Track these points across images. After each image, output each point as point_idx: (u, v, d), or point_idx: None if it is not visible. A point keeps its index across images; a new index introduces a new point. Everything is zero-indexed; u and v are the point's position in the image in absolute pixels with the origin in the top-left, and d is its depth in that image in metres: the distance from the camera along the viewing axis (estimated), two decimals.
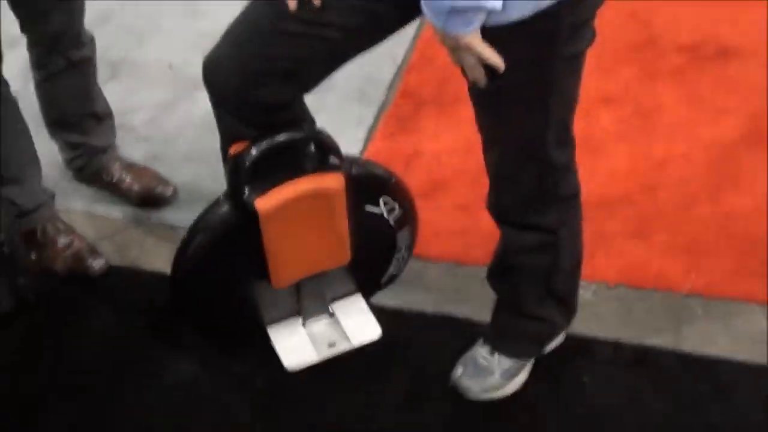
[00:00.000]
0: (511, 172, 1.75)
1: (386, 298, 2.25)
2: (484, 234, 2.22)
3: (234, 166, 1.80)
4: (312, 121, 1.88)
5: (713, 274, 2.25)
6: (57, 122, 2.50)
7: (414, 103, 2.84)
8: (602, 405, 2.01)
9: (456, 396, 2.04)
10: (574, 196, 1.84)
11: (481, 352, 2.04)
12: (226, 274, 1.93)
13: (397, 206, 2.00)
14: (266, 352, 2.10)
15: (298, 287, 2.05)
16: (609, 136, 2.67)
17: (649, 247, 2.33)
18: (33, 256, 2.32)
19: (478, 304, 2.19)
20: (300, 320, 2.11)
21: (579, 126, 1.78)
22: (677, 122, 2.71)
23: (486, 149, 1.76)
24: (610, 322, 2.17)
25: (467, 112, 2.75)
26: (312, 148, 1.84)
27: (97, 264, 2.39)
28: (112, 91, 2.82)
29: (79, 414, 2.09)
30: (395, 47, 3.03)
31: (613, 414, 1.99)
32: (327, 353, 2.06)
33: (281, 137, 1.78)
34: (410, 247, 2.12)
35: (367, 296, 2.16)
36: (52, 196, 2.48)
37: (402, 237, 2.07)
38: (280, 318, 2.10)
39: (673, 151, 2.62)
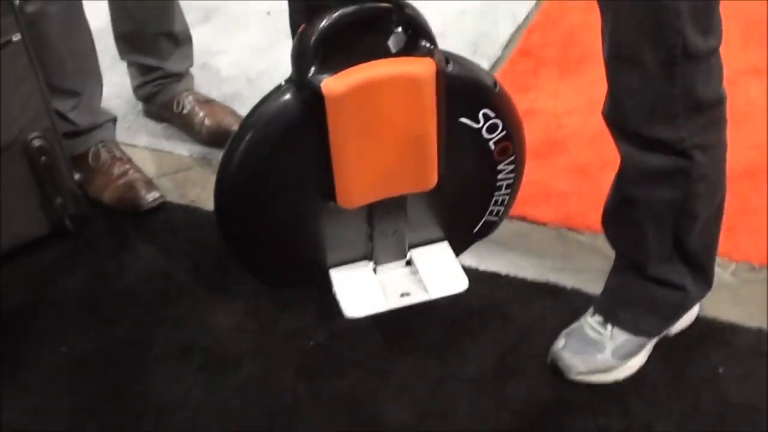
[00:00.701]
0: (633, 52, 1.35)
1: (480, 257, 1.87)
2: (604, 199, 1.82)
3: (301, 39, 1.46)
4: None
5: None
6: (129, 38, 2.22)
7: (533, 62, 2.47)
8: (739, 403, 1.58)
9: (554, 375, 1.64)
10: (716, 104, 1.43)
11: (590, 322, 1.64)
12: (283, 185, 1.57)
13: (500, 125, 1.61)
14: (326, 306, 1.74)
15: (371, 222, 1.67)
16: (756, 107, 2.25)
17: None
18: (78, 177, 2.01)
19: (591, 276, 1.80)
20: (370, 266, 1.73)
21: None
22: None
23: (604, 23, 1.38)
24: (752, 307, 1.74)
25: (593, 73, 2.41)
26: (400, 29, 1.48)
27: (150, 196, 2.08)
28: (201, 34, 2.60)
29: (99, 353, 1.76)
30: (517, 6, 2.69)
31: (752, 414, 1.55)
32: (397, 303, 1.68)
33: (359, 7, 1.44)
34: (513, 189, 1.72)
35: (455, 248, 1.77)
36: (114, 120, 2.20)
37: (504, 170, 1.67)
38: (347, 260, 1.73)
39: None
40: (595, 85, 2.28)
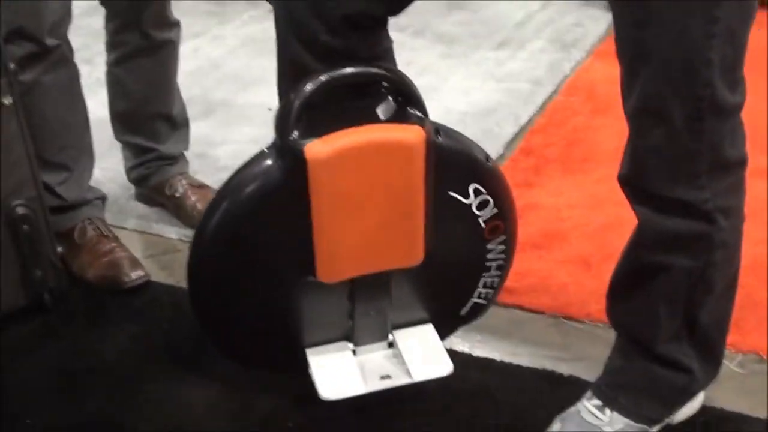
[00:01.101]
0: (660, 105, 1.28)
1: (473, 344, 1.80)
2: (606, 289, 1.74)
3: (285, 103, 1.41)
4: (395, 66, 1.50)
5: None
6: (125, 118, 2.18)
7: (535, 160, 2.43)
8: None
9: None
10: (740, 165, 1.37)
11: (588, 406, 1.53)
12: (260, 256, 1.50)
13: (491, 202, 1.54)
14: (306, 388, 1.64)
15: (352, 300, 1.59)
16: (760, 205, 2.19)
17: None
18: (60, 250, 1.94)
19: (590, 364, 1.71)
20: (350, 347, 1.64)
21: None
22: None
23: (626, 81, 1.32)
24: (759, 399, 1.64)
25: (597, 172, 2.37)
26: (389, 98, 1.43)
27: (135, 275, 2.00)
28: (201, 126, 2.60)
29: (65, 428, 1.67)
30: (519, 108, 2.67)
31: None
32: (377, 386, 1.58)
33: (347, 70, 1.40)
34: (503, 271, 1.64)
35: (441, 331, 1.67)
36: (103, 199, 2.15)
37: (494, 249, 1.59)
38: (325, 340, 1.63)
39: None
40: (600, 183, 2.25)
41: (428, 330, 1.65)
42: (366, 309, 1.60)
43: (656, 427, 1.53)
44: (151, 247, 2.17)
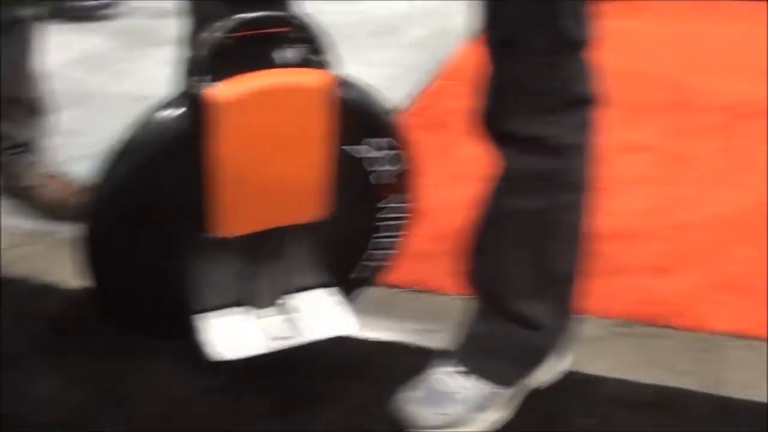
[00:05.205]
0: (520, 37, 1.31)
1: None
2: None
3: (190, 49, 1.41)
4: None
5: (751, 314, 1.78)
6: None
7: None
8: None
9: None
10: (588, 102, 1.37)
11: (442, 370, 1.50)
12: (158, 211, 1.46)
13: (389, 158, 1.52)
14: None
15: (245, 259, 1.55)
16: (630, 179, 2.28)
17: (672, 283, 1.88)
18: None
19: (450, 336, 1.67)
20: (243, 310, 1.59)
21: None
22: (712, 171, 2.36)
23: (489, 10, 1.34)
24: (621, 360, 1.65)
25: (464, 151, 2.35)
26: (295, 42, 1.43)
27: None
28: (68, 116, 2.48)
29: None
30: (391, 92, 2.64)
31: None
32: (267, 347, 1.53)
33: (250, 17, 1.39)
34: (394, 232, 1.60)
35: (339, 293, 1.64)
36: None
37: (386, 208, 1.57)
38: (219, 306, 1.58)
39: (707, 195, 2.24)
40: (465, 162, 2.25)
41: (330, 293, 1.61)
42: (260, 268, 1.56)
43: (512, 389, 1.50)
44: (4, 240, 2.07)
